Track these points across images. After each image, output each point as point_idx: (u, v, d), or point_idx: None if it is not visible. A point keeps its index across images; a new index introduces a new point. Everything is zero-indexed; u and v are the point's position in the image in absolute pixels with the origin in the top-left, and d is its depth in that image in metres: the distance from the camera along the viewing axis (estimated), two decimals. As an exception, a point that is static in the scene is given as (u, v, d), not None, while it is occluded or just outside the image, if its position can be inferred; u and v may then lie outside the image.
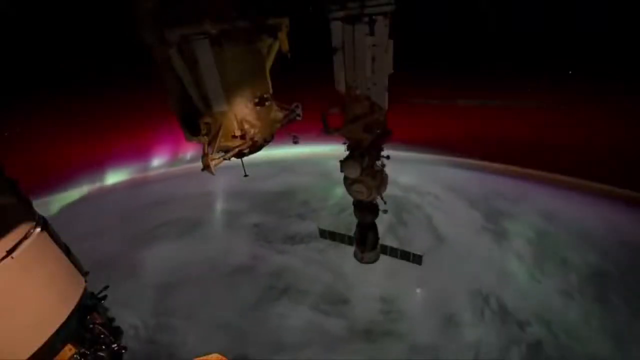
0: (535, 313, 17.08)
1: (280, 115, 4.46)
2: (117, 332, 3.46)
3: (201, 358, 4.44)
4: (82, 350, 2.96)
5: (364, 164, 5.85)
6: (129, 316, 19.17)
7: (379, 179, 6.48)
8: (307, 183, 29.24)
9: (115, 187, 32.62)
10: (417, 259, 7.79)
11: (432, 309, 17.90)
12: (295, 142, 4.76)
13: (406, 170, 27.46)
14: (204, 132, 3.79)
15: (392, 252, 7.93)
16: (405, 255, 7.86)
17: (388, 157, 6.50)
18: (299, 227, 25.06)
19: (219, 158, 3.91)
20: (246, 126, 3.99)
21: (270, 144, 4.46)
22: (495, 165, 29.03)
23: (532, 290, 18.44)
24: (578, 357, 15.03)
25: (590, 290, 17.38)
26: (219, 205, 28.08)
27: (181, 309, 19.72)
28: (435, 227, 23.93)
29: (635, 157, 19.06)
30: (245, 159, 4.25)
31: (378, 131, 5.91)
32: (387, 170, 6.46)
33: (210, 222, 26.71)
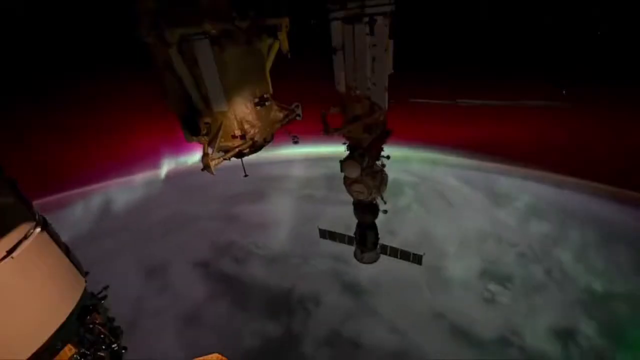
0: (520, 241, 25.91)
1: (280, 115, 4.45)
2: (117, 332, 3.46)
3: (201, 358, 4.44)
4: (82, 350, 2.96)
5: (364, 164, 5.84)
6: (242, 238, 29.05)
7: (379, 179, 6.48)
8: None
9: (188, 169, 38.12)
10: (417, 259, 7.80)
11: (449, 238, 26.81)
12: (295, 142, 4.75)
13: (415, 166, 35.41)
14: (204, 132, 3.78)
15: (392, 251, 7.94)
16: (405, 255, 7.87)
17: (388, 157, 6.50)
18: (343, 197, 30.19)
19: (218, 158, 3.90)
20: (246, 126, 3.98)
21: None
22: (496, 165, 33.83)
23: (519, 231, 26.86)
24: (547, 260, 23.93)
25: (561, 234, 25.85)
26: (276, 185, 35.88)
27: (278, 236, 28.70)
28: (447, 199, 31.95)
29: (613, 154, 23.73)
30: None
31: (378, 131, 5.90)
32: (391, 166, 6.47)
33: (273, 194, 34.78)
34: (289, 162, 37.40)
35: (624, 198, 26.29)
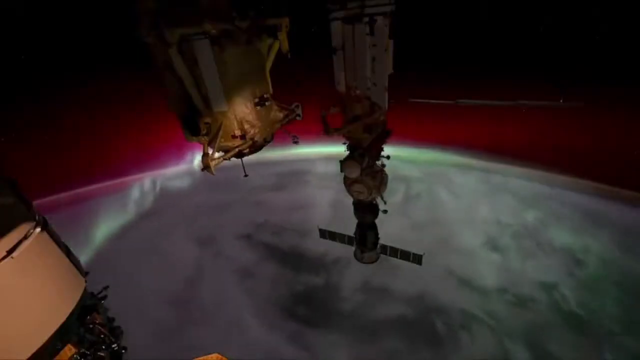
0: (517, 223, 30.04)
1: (280, 115, 4.45)
2: (117, 332, 3.46)
3: (201, 358, 4.43)
4: (82, 350, 2.96)
5: (364, 164, 5.84)
6: (274, 218, 33.41)
7: (379, 179, 6.48)
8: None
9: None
10: (417, 259, 7.81)
11: (454, 220, 31.25)
12: (295, 142, 4.75)
13: (421, 164, 39.16)
14: (204, 132, 3.78)
15: (392, 251, 7.94)
16: (405, 255, 7.88)
17: (388, 157, 6.50)
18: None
19: (218, 158, 3.90)
20: (246, 126, 3.98)
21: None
22: (496, 163, 36.12)
23: (516, 216, 30.84)
24: (538, 237, 28.13)
25: (552, 219, 29.62)
26: (295, 179, 39.61)
27: (305, 216, 31.74)
28: (452, 191, 36.06)
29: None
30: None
31: (378, 131, 5.90)
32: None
33: (294, 186, 38.56)
34: (300, 160, 41.02)
35: (611, 194, 30.00)
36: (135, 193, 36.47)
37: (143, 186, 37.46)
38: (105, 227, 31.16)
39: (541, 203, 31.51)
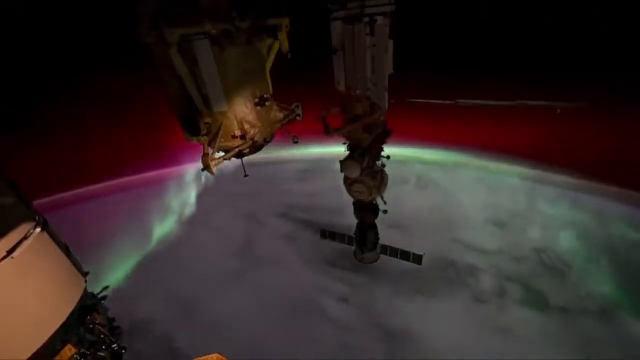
0: (513, 207, 34.53)
1: (280, 115, 4.45)
2: (117, 332, 3.46)
3: (201, 358, 4.43)
4: (82, 350, 2.96)
5: (364, 164, 5.84)
6: (302, 201, 37.93)
7: (379, 179, 6.48)
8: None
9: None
10: (416, 259, 7.82)
11: (458, 205, 36.11)
12: (295, 142, 4.75)
13: (422, 163, 43.38)
14: (204, 132, 3.78)
15: (392, 251, 7.95)
16: (405, 255, 7.89)
17: (388, 157, 6.50)
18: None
19: (218, 158, 3.90)
20: (246, 126, 3.98)
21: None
22: (495, 162, 38.25)
23: (512, 202, 35.02)
24: (531, 216, 33.33)
25: (542, 205, 34.27)
26: (311, 174, 42.70)
27: (332, 200, 33.22)
28: (455, 184, 39.54)
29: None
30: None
31: (378, 131, 5.91)
32: (391, 166, 6.55)
33: (313, 178, 41.77)
34: (314, 160, 43.77)
35: (601, 191, 33.19)
36: (182, 181, 40.97)
37: (185, 175, 41.58)
38: (175, 203, 37.14)
39: (536, 194, 35.69)
